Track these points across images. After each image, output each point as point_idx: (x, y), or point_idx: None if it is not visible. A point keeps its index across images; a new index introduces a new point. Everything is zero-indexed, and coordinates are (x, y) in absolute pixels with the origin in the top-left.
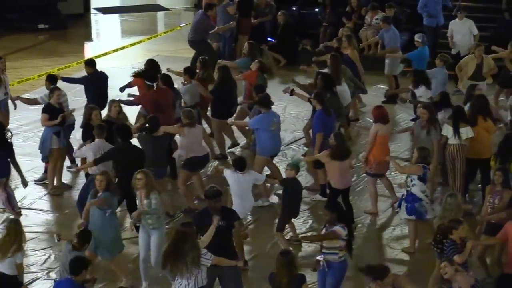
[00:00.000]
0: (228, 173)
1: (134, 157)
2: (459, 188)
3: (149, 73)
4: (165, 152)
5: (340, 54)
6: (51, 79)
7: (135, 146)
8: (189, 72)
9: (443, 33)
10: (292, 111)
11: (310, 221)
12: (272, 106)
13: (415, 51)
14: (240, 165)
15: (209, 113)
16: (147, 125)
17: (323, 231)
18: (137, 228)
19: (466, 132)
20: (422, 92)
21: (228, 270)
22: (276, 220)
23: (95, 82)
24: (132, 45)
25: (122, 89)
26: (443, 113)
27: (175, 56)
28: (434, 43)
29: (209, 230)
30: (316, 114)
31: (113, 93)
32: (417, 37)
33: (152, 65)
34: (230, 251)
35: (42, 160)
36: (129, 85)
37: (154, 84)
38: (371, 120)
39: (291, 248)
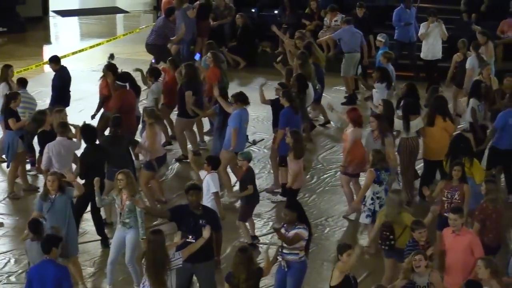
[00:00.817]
0: (209, 177)
1: (100, 158)
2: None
3: (120, 74)
4: (127, 153)
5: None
6: (21, 82)
7: (100, 147)
8: (154, 73)
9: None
10: (252, 112)
11: (271, 223)
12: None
13: (377, 53)
14: (217, 164)
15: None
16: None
17: (282, 230)
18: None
19: (417, 124)
20: (381, 89)
21: (202, 267)
22: (234, 223)
23: (63, 78)
24: (91, 47)
25: (94, 116)
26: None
27: (134, 59)
28: (406, 57)
29: (197, 242)
30: (283, 111)
31: (72, 96)
32: (380, 37)
33: (114, 68)
34: (209, 249)
35: (8, 165)
36: (100, 108)
37: (127, 84)
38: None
39: (248, 241)
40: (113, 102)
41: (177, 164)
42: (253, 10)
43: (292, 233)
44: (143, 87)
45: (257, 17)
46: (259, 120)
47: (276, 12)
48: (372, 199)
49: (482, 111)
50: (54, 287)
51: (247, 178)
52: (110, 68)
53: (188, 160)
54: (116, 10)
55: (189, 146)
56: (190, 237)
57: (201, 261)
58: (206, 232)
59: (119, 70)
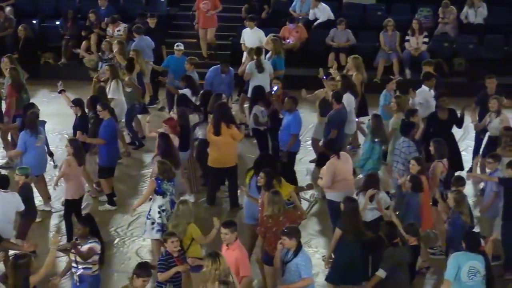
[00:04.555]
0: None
1: None
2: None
3: None
4: None
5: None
6: None
7: None
8: None
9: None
10: (47, 126)
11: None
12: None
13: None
14: (3, 183)
15: None
16: None
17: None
18: None
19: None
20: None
21: None
22: None
23: None
24: None
25: None
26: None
27: None
28: None
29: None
30: (107, 122)
31: None
32: (180, 47)
33: None
34: None
35: None
36: None
37: None
38: None
39: None
40: None
41: None
42: (34, 22)
43: (85, 247)
44: None
45: (39, 29)
46: (53, 133)
47: (58, 23)
48: (159, 213)
49: (266, 116)
50: None
51: (22, 194)
52: None
53: None
54: None
55: None
56: None
57: None
58: None
59: None
